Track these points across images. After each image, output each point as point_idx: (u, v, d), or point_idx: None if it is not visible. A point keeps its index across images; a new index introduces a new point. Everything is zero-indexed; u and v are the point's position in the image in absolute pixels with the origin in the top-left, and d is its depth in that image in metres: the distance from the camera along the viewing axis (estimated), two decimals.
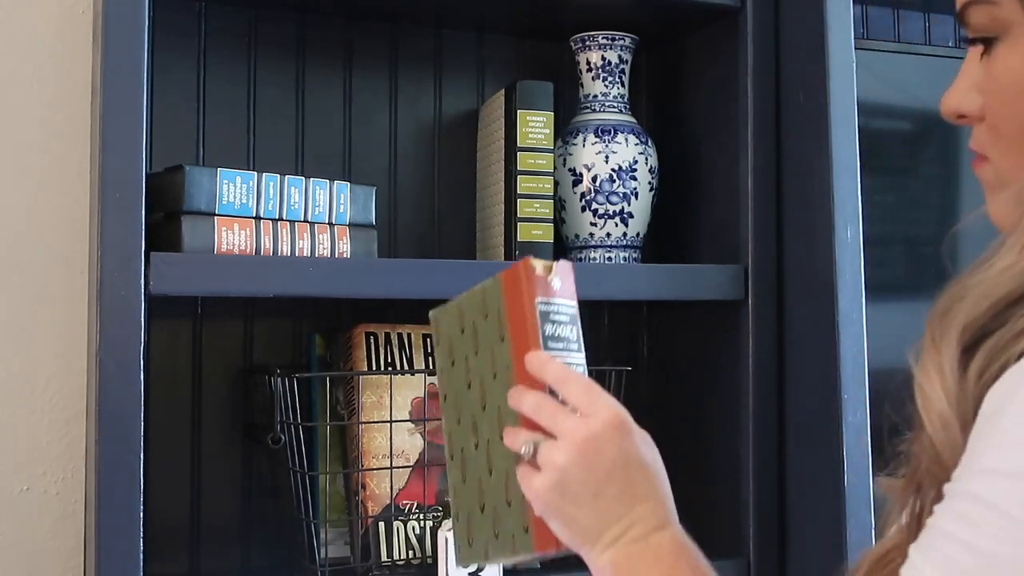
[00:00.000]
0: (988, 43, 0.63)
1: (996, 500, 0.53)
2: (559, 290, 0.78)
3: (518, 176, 1.21)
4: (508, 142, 1.22)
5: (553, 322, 0.77)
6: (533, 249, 1.19)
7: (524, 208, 1.21)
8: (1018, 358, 0.56)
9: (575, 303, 0.79)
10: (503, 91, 1.24)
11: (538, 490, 0.72)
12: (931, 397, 0.60)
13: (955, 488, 0.56)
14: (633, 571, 0.70)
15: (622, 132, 1.27)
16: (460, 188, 1.35)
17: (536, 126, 1.21)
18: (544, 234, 1.22)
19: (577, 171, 1.27)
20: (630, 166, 1.26)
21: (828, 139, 1.16)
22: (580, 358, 0.77)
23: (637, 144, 1.27)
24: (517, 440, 0.74)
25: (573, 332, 0.78)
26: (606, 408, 0.73)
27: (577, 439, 0.71)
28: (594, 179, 1.26)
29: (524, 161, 1.21)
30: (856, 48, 1.18)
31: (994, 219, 0.65)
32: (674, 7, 1.27)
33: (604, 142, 1.26)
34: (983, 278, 0.60)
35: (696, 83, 1.36)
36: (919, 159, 1.37)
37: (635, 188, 1.26)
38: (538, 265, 0.77)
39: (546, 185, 1.22)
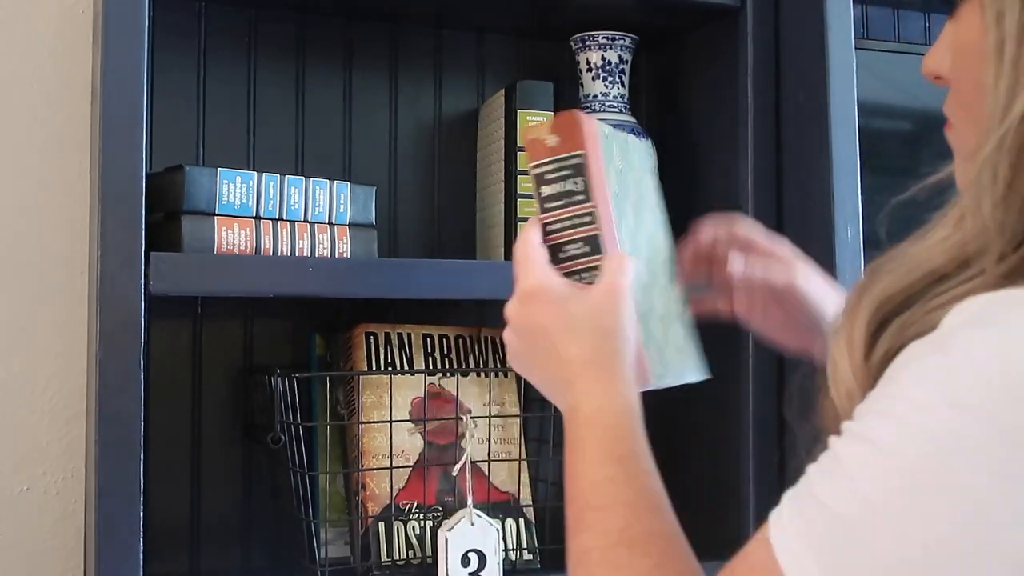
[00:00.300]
0: (955, 4, 0.63)
1: (846, 455, 0.52)
2: (557, 146, 0.80)
3: (518, 176, 1.21)
4: (508, 142, 1.22)
5: (549, 182, 0.80)
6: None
7: (524, 208, 1.21)
8: (924, 335, 0.53)
9: (582, 151, 0.80)
10: (503, 91, 1.24)
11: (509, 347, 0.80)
12: (839, 369, 0.59)
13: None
14: (572, 442, 0.72)
15: (623, 132, 1.27)
16: (460, 188, 1.35)
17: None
18: None
19: None
20: None
21: (828, 139, 1.16)
22: (588, 206, 0.79)
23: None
24: None
25: (579, 183, 0.80)
26: (520, 285, 0.78)
27: (508, 321, 0.79)
28: None
29: (524, 161, 1.21)
30: (856, 48, 1.18)
31: (959, 186, 0.64)
32: (674, 7, 1.27)
33: None
34: (914, 251, 0.58)
35: (696, 83, 1.36)
36: (919, 159, 1.37)
37: None
38: (536, 129, 0.81)
39: None
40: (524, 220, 1.21)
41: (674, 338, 0.89)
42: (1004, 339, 0.48)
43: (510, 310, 0.78)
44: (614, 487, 0.67)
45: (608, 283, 0.76)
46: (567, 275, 0.80)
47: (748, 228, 0.96)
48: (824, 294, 0.93)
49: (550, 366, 0.76)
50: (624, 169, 0.85)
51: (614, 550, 0.64)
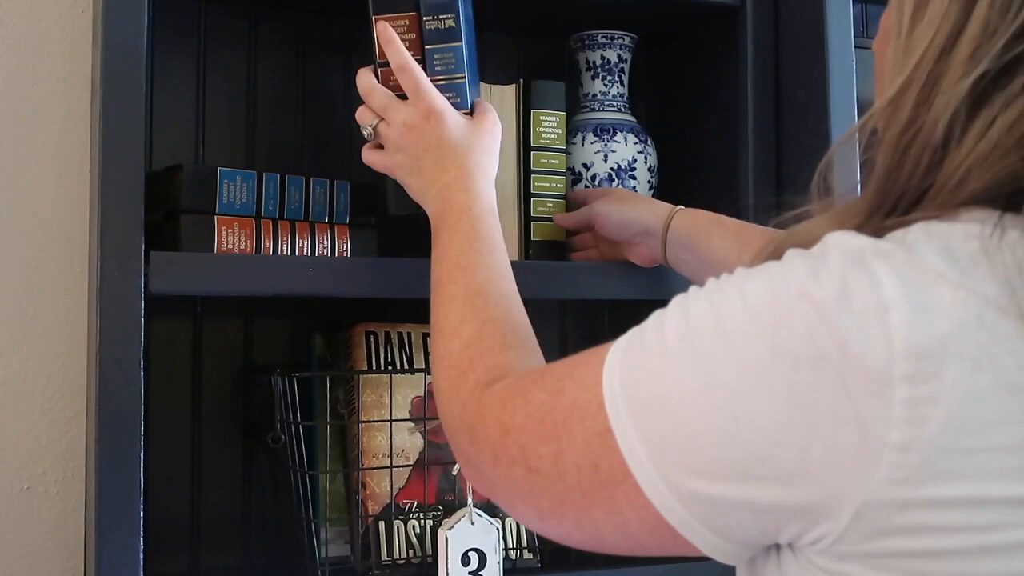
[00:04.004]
0: None
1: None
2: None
3: (532, 175, 1.21)
4: (523, 142, 1.22)
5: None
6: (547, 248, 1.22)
7: (537, 207, 1.21)
8: None
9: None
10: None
11: (378, 163, 1.00)
12: None
13: None
14: (440, 221, 0.91)
15: (621, 131, 1.27)
16: None
17: (549, 126, 1.22)
18: (557, 233, 1.22)
19: (576, 170, 1.27)
20: (629, 165, 1.26)
21: (828, 139, 1.16)
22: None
23: (636, 143, 1.27)
24: (363, 119, 1.00)
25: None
26: (426, 99, 0.96)
27: (400, 122, 0.97)
28: (593, 178, 1.26)
29: (538, 161, 1.21)
30: (856, 48, 1.18)
31: None
32: (674, 6, 1.27)
33: (603, 141, 1.26)
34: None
35: (696, 82, 1.36)
36: None
37: (634, 187, 1.26)
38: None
39: (558, 184, 1.23)
40: (537, 219, 1.21)
41: None
42: (778, 274, 0.58)
43: (403, 121, 0.97)
44: (479, 257, 0.87)
45: (490, 119, 1.00)
46: None
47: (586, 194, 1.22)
48: (633, 206, 1.14)
49: (434, 170, 0.94)
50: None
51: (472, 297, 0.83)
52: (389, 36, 0.99)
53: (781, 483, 0.55)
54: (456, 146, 0.95)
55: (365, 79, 1.01)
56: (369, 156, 1.01)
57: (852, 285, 0.54)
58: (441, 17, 1.02)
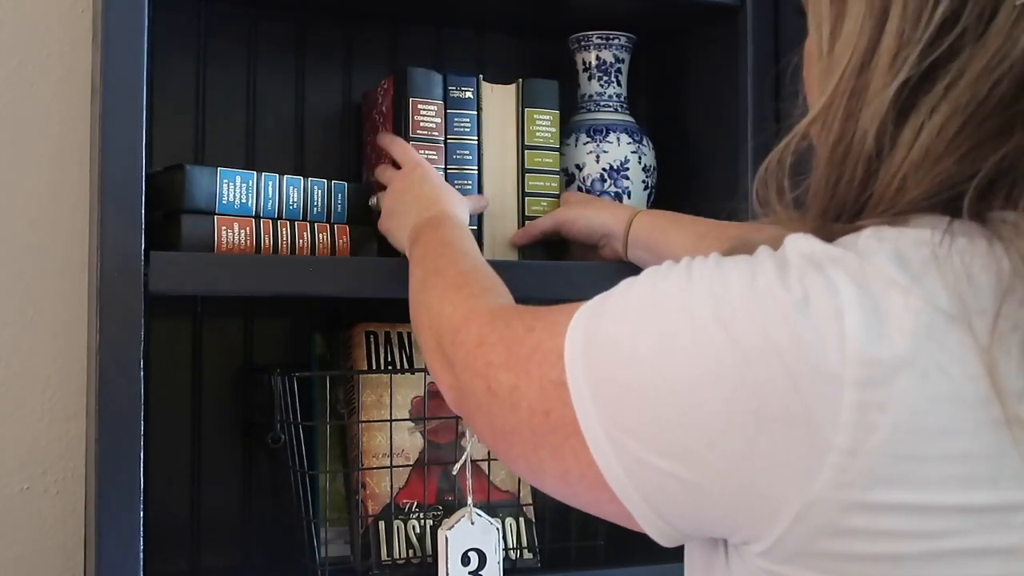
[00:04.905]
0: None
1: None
2: None
3: (526, 174, 1.21)
4: (518, 141, 1.22)
5: None
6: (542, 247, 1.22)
7: (532, 207, 1.21)
8: None
9: None
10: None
11: (380, 225, 1.09)
12: None
13: None
14: (420, 248, 0.96)
15: (614, 131, 1.27)
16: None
17: (543, 124, 1.22)
18: None
19: (569, 171, 1.27)
20: (621, 165, 1.26)
21: None
22: None
23: (630, 143, 1.27)
24: (371, 199, 1.14)
25: None
26: (411, 161, 1.11)
27: (395, 183, 1.09)
28: (585, 179, 1.26)
29: (531, 159, 1.22)
30: None
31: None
32: (674, 6, 1.27)
33: (596, 142, 1.26)
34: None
35: (696, 82, 1.36)
36: None
37: (627, 187, 1.26)
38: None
39: (552, 184, 1.23)
40: (532, 218, 1.21)
41: None
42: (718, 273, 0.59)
43: (402, 172, 1.10)
44: (456, 252, 0.92)
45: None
46: None
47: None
48: (598, 211, 1.18)
49: (418, 210, 1.03)
50: None
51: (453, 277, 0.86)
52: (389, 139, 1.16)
53: (724, 471, 0.56)
54: (436, 190, 1.06)
55: (380, 170, 1.16)
56: (379, 222, 1.10)
57: (811, 289, 0.55)
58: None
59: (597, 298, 0.64)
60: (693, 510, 0.59)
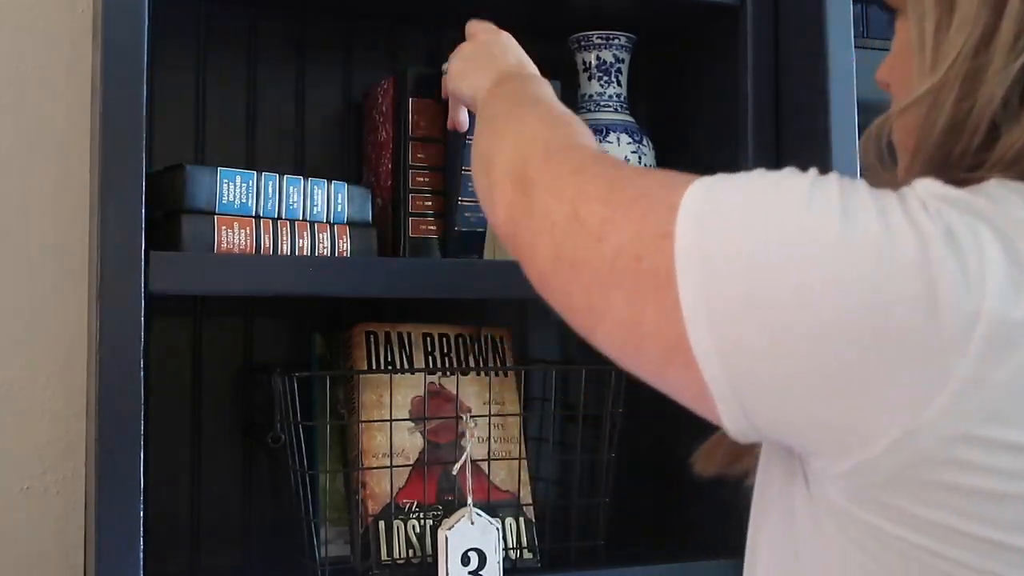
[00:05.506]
0: (895, 15, 0.70)
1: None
2: None
3: None
4: None
5: None
6: None
7: None
8: None
9: None
10: None
11: (450, 80, 1.06)
12: None
13: None
14: (514, 83, 0.94)
15: (614, 131, 1.27)
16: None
17: None
18: None
19: None
20: None
21: (828, 139, 1.16)
22: None
23: (630, 143, 1.27)
24: (444, 66, 1.10)
25: None
26: (486, 27, 1.06)
27: (479, 35, 1.05)
28: None
29: None
30: (856, 48, 1.18)
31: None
32: (674, 6, 1.27)
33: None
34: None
35: (696, 82, 1.36)
36: None
37: None
38: None
39: None
40: None
41: None
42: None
43: (479, 33, 1.06)
44: (560, 105, 0.89)
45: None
46: None
47: None
48: None
49: (489, 65, 1.00)
50: None
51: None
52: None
53: (824, 377, 0.53)
54: (503, 49, 1.03)
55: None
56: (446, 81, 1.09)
57: (953, 224, 0.53)
58: None
59: (720, 175, 0.62)
60: (778, 408, 0.56)
